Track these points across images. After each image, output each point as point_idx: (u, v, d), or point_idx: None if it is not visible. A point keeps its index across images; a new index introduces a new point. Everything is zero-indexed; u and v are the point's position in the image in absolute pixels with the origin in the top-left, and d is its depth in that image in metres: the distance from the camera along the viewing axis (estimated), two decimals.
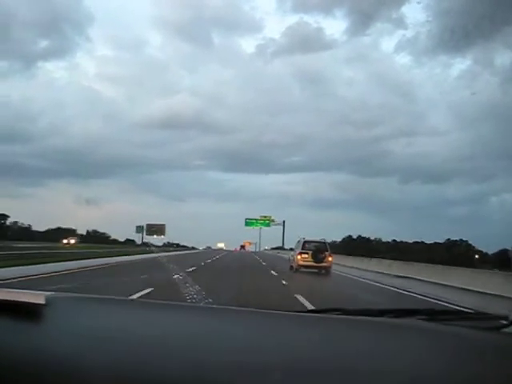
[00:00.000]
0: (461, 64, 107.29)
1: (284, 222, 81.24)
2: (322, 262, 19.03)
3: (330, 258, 19.38)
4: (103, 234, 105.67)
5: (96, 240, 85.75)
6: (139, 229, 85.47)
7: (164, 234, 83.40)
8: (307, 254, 19.22)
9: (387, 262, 23.43)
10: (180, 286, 3.83)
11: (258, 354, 0.76)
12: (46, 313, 0.85)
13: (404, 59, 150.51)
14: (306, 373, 0.69)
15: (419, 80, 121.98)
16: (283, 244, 78.57)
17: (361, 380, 0.68)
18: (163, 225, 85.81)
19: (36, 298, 0.87)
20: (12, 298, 0.85)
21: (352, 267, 24.25)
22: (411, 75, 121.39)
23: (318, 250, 19.34)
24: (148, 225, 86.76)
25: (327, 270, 19.18)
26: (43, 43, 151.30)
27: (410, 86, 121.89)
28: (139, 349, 0.75)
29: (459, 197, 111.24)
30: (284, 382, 0.67)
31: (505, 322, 1.02)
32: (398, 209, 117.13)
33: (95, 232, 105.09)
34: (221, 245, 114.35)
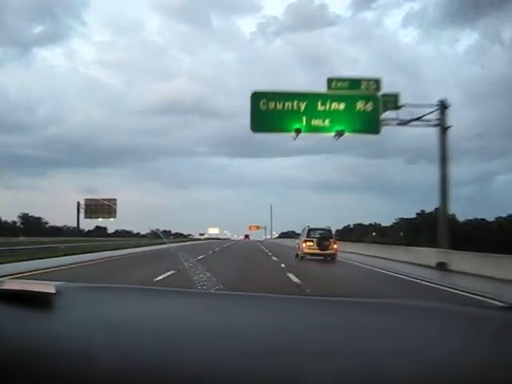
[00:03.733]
0: (469, 37, 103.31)
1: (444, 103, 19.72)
2: (326, 249, 19.28)
3: (334, 246, 19.67)
4: (38, 219, 75.37)
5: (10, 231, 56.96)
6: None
7: (114, 216, 52.73)
8: (312, 241, 19.47)
9: None
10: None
11: (268, 338, 0.76)
12: (56, 302, 0.85)
13: (411, 34, 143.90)
14: (317, 355, 0.69)
15: (426, 56, 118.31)
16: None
17: (376, 361, 0.68)
18: (112, 200, 52.27)
19: (46, 287, 0.88)
20: (22, 288, 0.87)
21: None
22: (418, 51, 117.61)
23: (323, 237, 19.58)
24: (87, 201, 53.88)
25: (332, 257, 19.41)
26: (37, 28, 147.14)
27: (417, 63, 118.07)
28: (149, 337, 0.75)
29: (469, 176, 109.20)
30: (295, 364, 0.67)
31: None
32: (409, 190, 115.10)
33: (27, 217, 74.96)
34: (213, 230, 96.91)
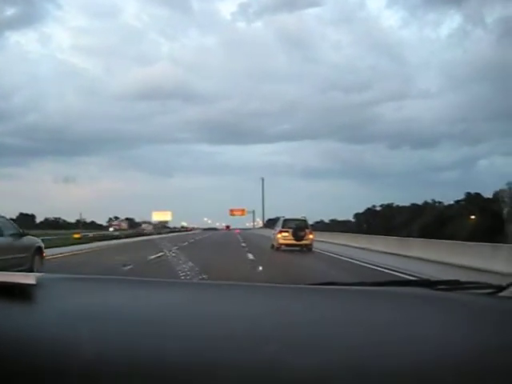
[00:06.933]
0: (453, 20, 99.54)
1: None
2: (302, 239, 19.28)
3: (310, 236, 19.65)
4: None
5: None
6: None
7: None
8: (287, 232, 19.45)
9: None
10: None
11: (255, 327, 0.76)
12: (37, 293, 0.85)
13: (396, 15, 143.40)
14: (304, 344, 0.69)
15: (410, 40, 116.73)
16: None
17: (366, 351, 0.68)
18: None
19: (26, 278, 0.87)
20: (2, 280, 0.85)
21: None
22: (402, 35, 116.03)
23: (298, 227, 19.54)
24: None
25: (308, 247, 19.43)
26: (10, 11, 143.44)
27: (401, 47, 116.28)
28: (131, 327, 0.75)
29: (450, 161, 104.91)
30: (281, 353, 0.67)
31: (496, 290, 1.03)
32: (391, 175, 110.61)
33: None
34: (161, 216, 69.34)
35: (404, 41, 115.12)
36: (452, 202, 53.17)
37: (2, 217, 9.26)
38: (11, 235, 8.83)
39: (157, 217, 72.22)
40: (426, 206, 55.23)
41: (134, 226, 71.79)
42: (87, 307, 0.84)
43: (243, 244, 23.00)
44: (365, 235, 25.22)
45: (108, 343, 0.71)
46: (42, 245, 9.95)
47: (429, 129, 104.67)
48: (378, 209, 65.92)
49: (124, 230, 52.06)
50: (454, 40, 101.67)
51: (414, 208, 56.05)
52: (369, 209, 67.35)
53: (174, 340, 0.71)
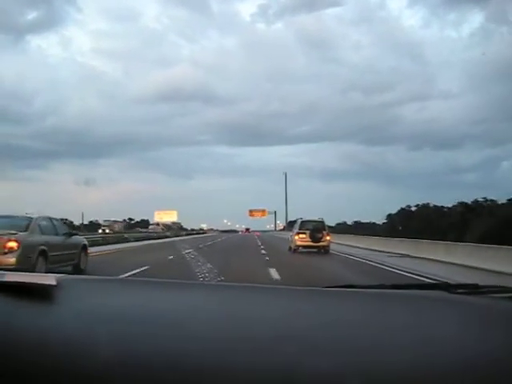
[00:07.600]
0: (474, 20, 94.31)
1: None
2: (319, 241, 19.25)
3: (327, 237, 19.62)
4: None
5: None
6: None
7: None
8: (305, 233, 19.48)
9: None
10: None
11: (273, 329, 0.75)
12: (57, 294, 0.85)
13: (417, 15, 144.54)
14: (320, 347, 0.69)
15: (431, 40, 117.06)
16: None
17: (383, 353, 0.67)
18: None
19: (47, 279, 0.87)
20: (23, 280, 0.87)
21: None
22: (423, 34, 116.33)
23: (316, 229, 19.53)
24: None
25: (325, 249, 19.38)
26: (31, 15, 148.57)
27: (422, 47, 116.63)
28: (150, 328, 0.75)
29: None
30: (298, 355, 0.67)
31: None
32: (413, 176, 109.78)
33: None
34: (165, 216, 65.43)
35: (425, 41, 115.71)
36: (505, 201, 47.00)
37: (57, 219, 10.69)
38: (64, 234, 10.24)
39: (159, 217, 68.69)
40: (477, 206, 47.88)
41: (144, 226, 69.18)
42: (106, 308, 0.85)
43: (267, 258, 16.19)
44: (406, 239, 21.29)
45: (126, 345, 0.71)
46: (87, 243, 11.45)
47: (450, 130, 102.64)
48: (413, 209, 58.95)
49: (117, 232, 45.40)
50: (476, 39, 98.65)
51: (461, 208, 49.62)
52: (403, 209, 60.24)
53: (191, 342, 0.71)
